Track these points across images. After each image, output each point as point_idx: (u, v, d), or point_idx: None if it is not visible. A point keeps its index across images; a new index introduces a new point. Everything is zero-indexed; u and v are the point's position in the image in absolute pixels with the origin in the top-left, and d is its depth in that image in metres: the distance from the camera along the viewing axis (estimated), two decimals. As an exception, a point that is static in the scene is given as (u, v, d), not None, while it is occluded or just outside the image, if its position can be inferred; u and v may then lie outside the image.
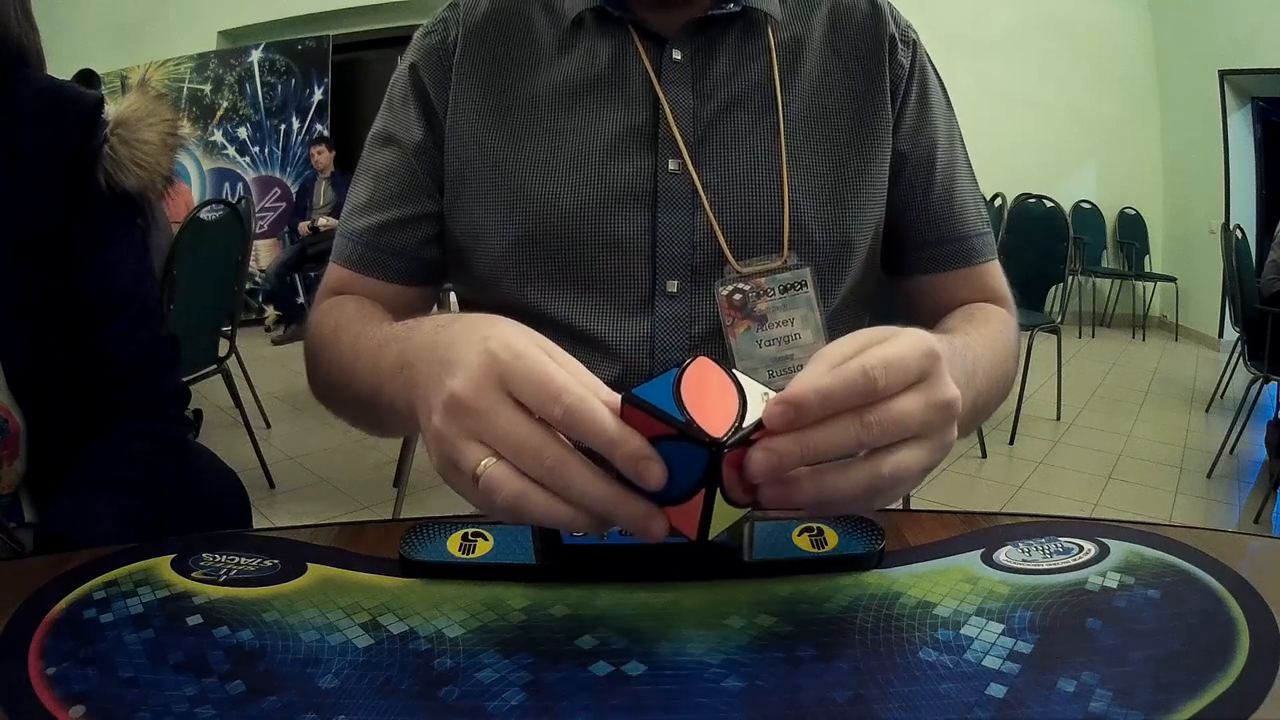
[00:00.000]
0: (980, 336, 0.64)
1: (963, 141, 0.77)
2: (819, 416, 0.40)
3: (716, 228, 0.68)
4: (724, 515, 0.42)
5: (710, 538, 0.41)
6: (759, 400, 0.42)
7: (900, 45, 0.73)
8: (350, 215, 0.75)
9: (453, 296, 0.83)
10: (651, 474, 0.39)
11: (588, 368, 0.68)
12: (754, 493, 0.43)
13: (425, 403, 0.45)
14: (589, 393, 0.40)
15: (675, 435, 0.39)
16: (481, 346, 0.42)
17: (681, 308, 0.69)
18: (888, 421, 0.42)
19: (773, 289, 0.68)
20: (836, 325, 0.72)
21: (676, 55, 0.69)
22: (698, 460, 0.39)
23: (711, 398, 0.41)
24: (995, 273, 0.76)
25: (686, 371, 0.42)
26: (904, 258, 0.76)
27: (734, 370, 0.43)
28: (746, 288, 0.68)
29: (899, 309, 0.80)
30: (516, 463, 0.40)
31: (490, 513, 0.42)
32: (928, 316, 0.76)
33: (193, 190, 6.00)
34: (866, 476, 0.42)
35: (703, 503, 0.40)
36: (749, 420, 0.40)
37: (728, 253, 0.68)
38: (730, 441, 0.39)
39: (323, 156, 5.43)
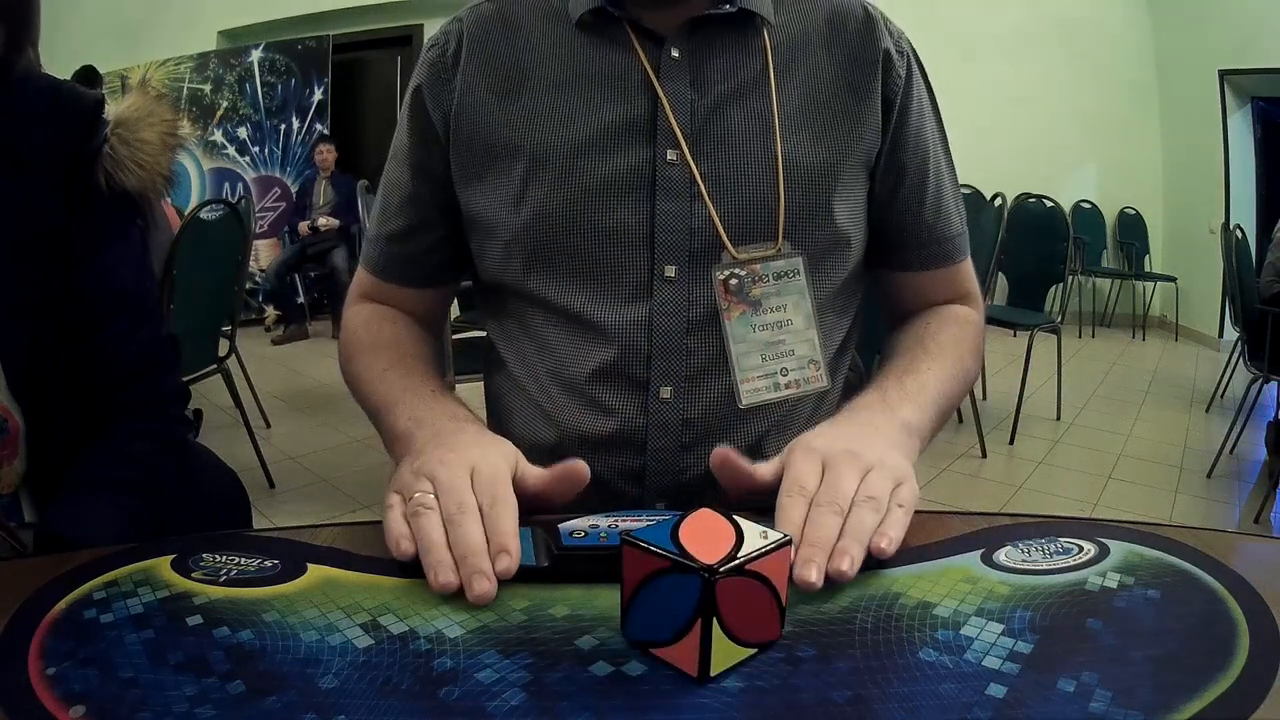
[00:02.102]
0: (937, 364, 0.73)
1: (946, 143, 0.81)
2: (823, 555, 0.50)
3: (714, 215, 0.70)
4: (727, 653, 0.42)
5: (713, 674, 0.42)
6: (757, 538, 0.43)
7: (896, 57, 0.75)
8: (370, 223, 0.84)
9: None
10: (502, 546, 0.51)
11: (587, 350, 0.73)
12: (757, 632, 0.44)
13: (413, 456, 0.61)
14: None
15: (669, 568, 0.41)
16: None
17: (679, 292, 0.71)
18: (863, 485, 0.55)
19: (767, 275, 0.71)
20: (827, 313, 0.75)
21: (674, 53, 0.71)
22: (691, 590, 0.41)
23: (708, 537, 0.43)
24: (967, 270, 0.83)
25: (687, 518, 0.44)
26: (891, 257, 0.81)
27: (734, 515, 0.45)
28: (743, 273, 0.71)
29: (878, 297, 0.86)
30: (443, 496, 0.54)
31: (389, 526, 0.54)
32: (906, 307, 0.83)
33: (193, 190, 6.00)
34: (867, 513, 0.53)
35: (700, 635, 0.41)
36: (743, 554, 0.42)
37: (725, 239, 0.70)
38: (722, 569, 0.41)
39: (330, 156, 5.43)
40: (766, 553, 0.43)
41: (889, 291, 0.84)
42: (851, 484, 0.55)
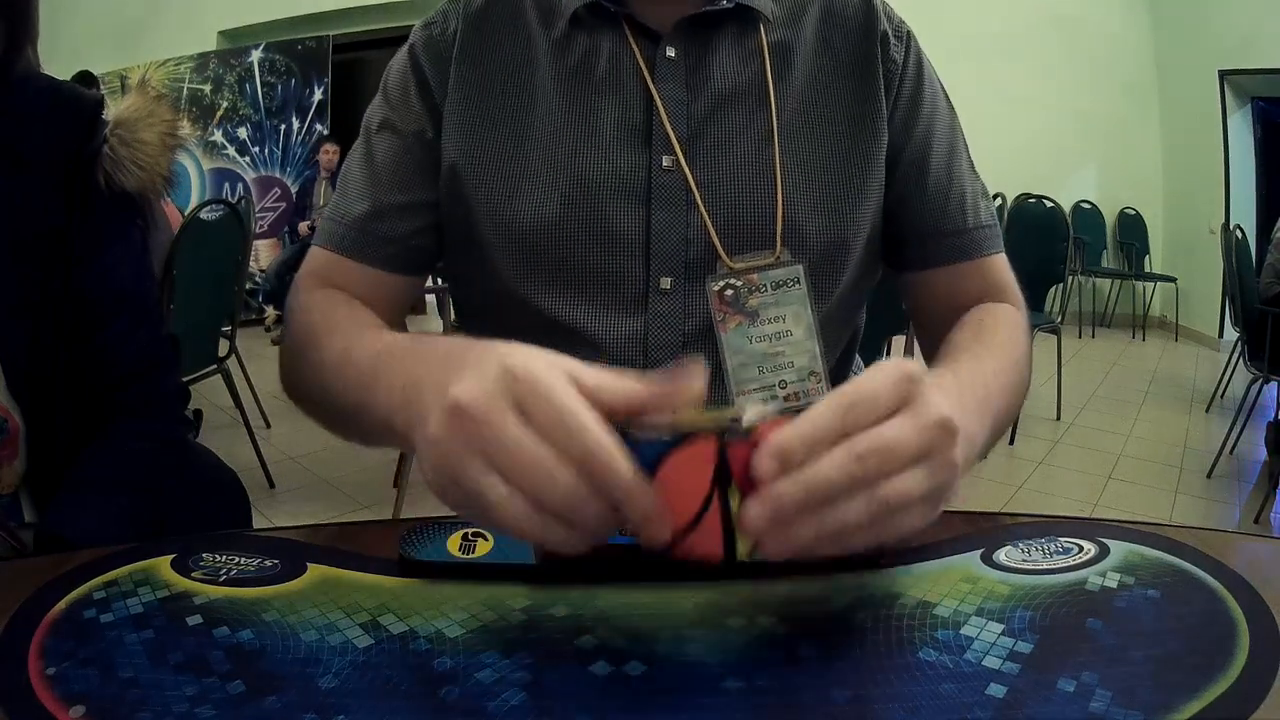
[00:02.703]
0: (990, 352, 0.62)
1: (963, 137, 0.76)
2: (804, 453, 0.39)
3: (709, 224, 0.68)
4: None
5: (741, 557, 0.40)
6: (757, 412, 0.41)
7: (894, 40, 0.72)
8: (342, 200, 0.73)
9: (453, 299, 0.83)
10: (659, 534, 0.39)
11: None
12: None
13: (423, 410, 0.42)
14: (606, 436, 0.38)
15: (673, 442, 0.39)
16: (499, 361, 0.40)
17: (675, 304, 0.68)
18: (880, 447, 0.40)
19: (765, 285, 0.68)
20: (829, 323, 0.72)
21: (670, 52, 0.69)
22: (701, 461, 0.39)
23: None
24: (1001, 266, 0.75)
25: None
26: (904, 253, 0.75)
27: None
28: (738, 283, 0.68)
29: (906, 306, 0.79)
30: (527, 487, 0.38)
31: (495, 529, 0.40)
32: (935, 313, 0.75)
33: (193, 190, 6.00)
34: (864, 504, 0.40)
35: (720, 511, 0.40)
36: (747, 419, 0.40)
37: (719, 249, 0.68)
38: (729, 434, 0.39)
39: (334, 156, 5.42)
40: (770, 419, 0.40)
41: (917, 297, 0.76)
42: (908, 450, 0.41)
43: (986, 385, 0.57)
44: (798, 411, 0.70)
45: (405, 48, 0.74)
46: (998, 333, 0.66)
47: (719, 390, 0.69)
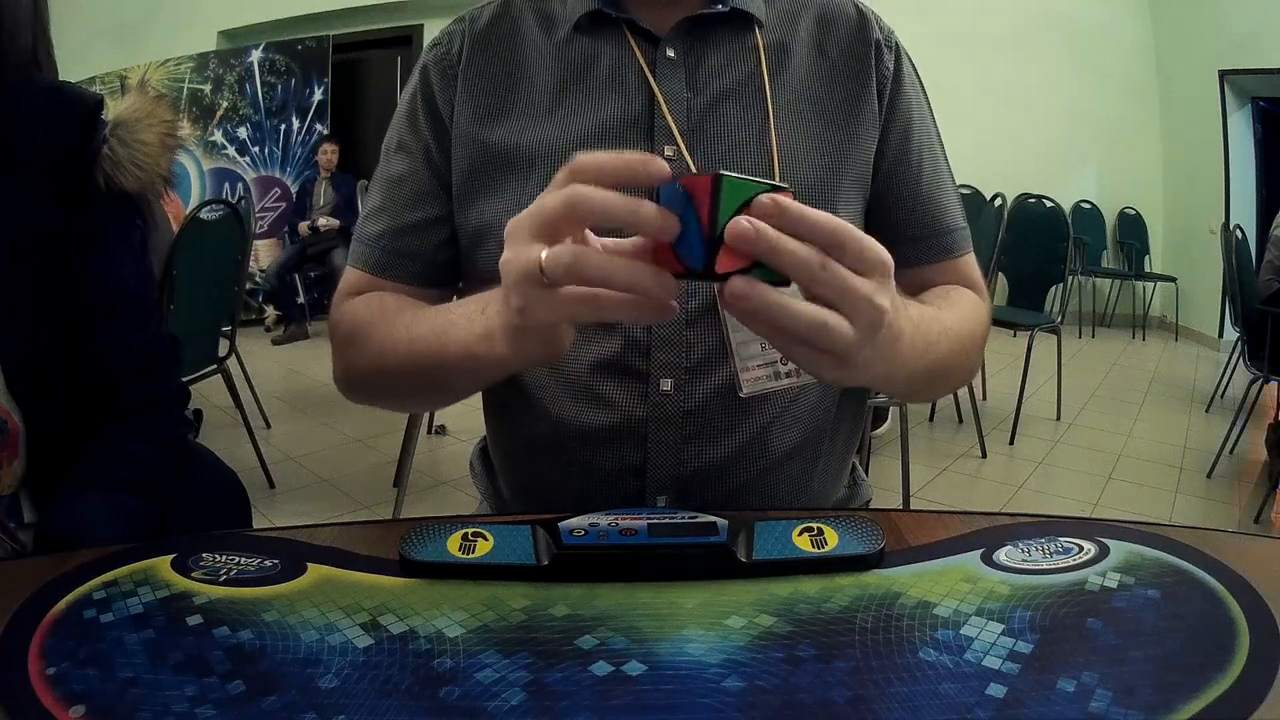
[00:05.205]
0: (950, 312, 0.70)
1: (941, 140, 0.81)
2: (794, 227, 0.45)
3: None
4: (738, 187, 0.45)
5: (720, 231, 0.44)
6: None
7: (885, 50, 0.76)
8: (365, 221, 0.78)
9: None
10: (668, 225, 0.45)
11: (585, 344, 0.71)
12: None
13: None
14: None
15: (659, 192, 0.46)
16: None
17: (679, 284, 0.70)
18: (848, 235, 0.46)
19: None
20: None
21: (670, 53, 0.72)
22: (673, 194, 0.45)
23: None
24: (971, 263, 0.82)
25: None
26: (892, 251, 0.78)
27: None
28: None
29: None
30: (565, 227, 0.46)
31: (563, 311, 0.46)
32: None
33: (193, 190, 6.00)
34: (812, 255, 0.45)
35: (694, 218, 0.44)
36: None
37: None
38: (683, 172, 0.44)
39: (333, 156, 5.43)
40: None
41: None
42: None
43: (940, 333, 0.63)
44: (800, 387, 0.72)
45: (416, 69, 0.78)
46: (961, 304, 0.74)
47: (725, 367, 0.71)
